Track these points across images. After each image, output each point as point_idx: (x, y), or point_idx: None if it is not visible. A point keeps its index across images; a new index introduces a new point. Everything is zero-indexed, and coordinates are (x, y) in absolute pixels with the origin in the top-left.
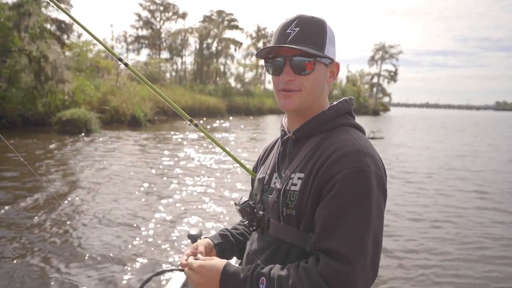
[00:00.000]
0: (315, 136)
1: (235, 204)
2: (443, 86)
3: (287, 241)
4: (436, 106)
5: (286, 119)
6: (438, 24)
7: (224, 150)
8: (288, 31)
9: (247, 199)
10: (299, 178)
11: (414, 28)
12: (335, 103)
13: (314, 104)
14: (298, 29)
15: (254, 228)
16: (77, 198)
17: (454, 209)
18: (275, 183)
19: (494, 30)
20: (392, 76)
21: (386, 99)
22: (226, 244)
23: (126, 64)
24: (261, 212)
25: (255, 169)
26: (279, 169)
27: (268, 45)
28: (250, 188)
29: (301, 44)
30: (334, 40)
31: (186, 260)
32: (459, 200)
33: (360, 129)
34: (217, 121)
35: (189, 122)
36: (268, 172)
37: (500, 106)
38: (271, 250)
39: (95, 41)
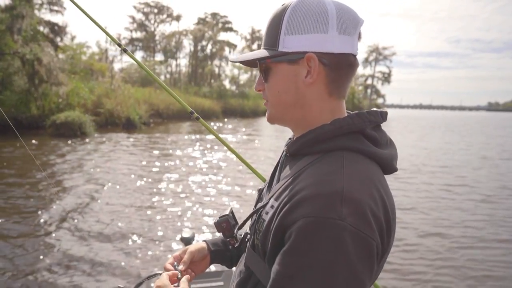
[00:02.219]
0: (308, 157)
1: (219, 217)
2: (436, 87)
3: (255, 274)
4: (430, 107)
5: None
6: (431, 25)
7: (229, 147)
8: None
9: (228, 214)
10: (271, 207)
11: (408, 29)
12: (345, 116)
13: (294, 114)
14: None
15: (232, 246)
16: (71, 201)
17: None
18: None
19: (486, 31)
20: (386, 78)
21: (380, 101)
22: (225, 254)
23: (125, 50)
24: (247, 231)
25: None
26: (270, 187)
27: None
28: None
29: (263, 47)
30: (315, 20)
31: (171, 263)
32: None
33: (373, 157)
34: (212, 123)
35: (191, 115)
36: (267, 185)
37: (492, 107)
38: (241, 279)
39: (88, 44)
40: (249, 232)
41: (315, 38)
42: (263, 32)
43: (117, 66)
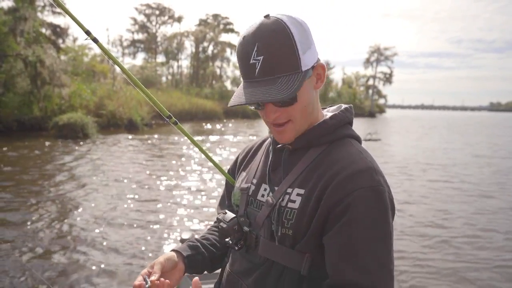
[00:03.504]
0: (315, 148)
1: (218, 220)
2: (438, 88)
3: (279, 263)
4: (431, 107)
5: None
6: (433, 26)
7: (203, 151)
8: (251, 61)
9: (233, 215)
10: (298, 195)
11: (409, 30)
12: (334, 112)
13: (311, 118)
14: (261, 58)
15: (239, 247)
16: (73, 202)
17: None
18: (263, 195)
19: (488, 31)
20: (388, 78)
21: (381, 101)
22: (196, 257)
23: (95, 40)
24: (246, 228)
25: (232, 172)
26: (271, 181)
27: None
28: (223, 192)
29: (272, 75)
30: (307, 36)
31: (139, 281)
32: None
33: (360, 141)
34: (210, 124)
35: (167, 119)
36: (255, 182)
37: (494, 107)
38: (260, 273)
39: (90, 45)
40: (253, 229)
41: (313, 50)
42: (264, 58)
43: (118, 67)
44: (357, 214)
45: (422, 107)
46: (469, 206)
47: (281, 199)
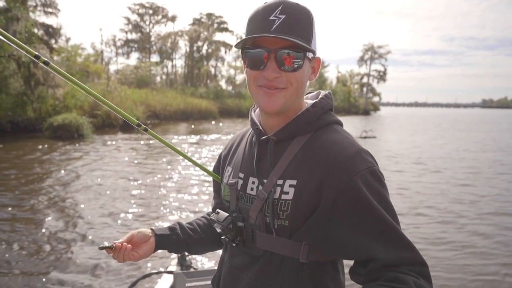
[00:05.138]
0: (299, 137)
1: (212, 220)
2: (431, 85)
3: (277, 254)
4: (425, 105)
5: (260, 114)
6: (426, 23)
7: (182, 154)
8: (271, 17)
9: (226, 214)
10: (291, 186)
11: (402, 28)
12: (315, 99)
13: (296, 103)
14: (284, 16)
15: (237, 243)
16: (68, 202)
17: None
18: (252, 188)
19: (479, 29)
20: (382, 76)
21: (376, 99)
22: (170, 238)
23: (46, 63)
24: (240, 223)
25: (217, 170)
26: (258, 174)
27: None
28: (214, 192)
29: (289, 35)
30: (314, 29)
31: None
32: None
33: (342, 125)
34: (205, 124)
35: (137, 127)
36: (242, 176)
37: (487, 104)
38: (261, 265)
39: (83, 46)
40: (247, 223)
41: (315, 42)
42: (286, 17)
43: (112, 67)
44: (364, 196)
45: (416, 104)
46: (446, 196)
47: (272, 191)
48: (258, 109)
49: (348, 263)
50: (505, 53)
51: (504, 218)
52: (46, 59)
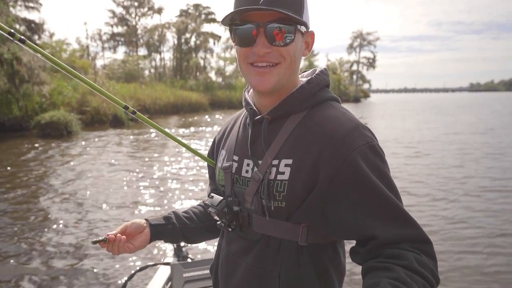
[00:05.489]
0: (294, 115)
1: (206, 205)
2: (420, 71)
3: (275, 237)
4: (414, 90)
5: (253, 95)
6: (414, 9)
7: (174, 139)
8: None
9: (220, 197)
10: (286, 166)
11: (391, 14)
12: (310, 76)
13: (290, 81)
14: None
15: (233, 228)
16: (60, 200)
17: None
18: (247, 171)
19: (466, 13)
20: (371, 63)
21: (366, 86)
22: (165, 227)
23: (22, 40)
24: (236, 208)
25: (212, 155)
26: (253, 155)
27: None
28: (210, 178)
29: (279, 7)
30: (306, 2)
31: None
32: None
33: (340, 102)
34: (196, 116)
35: (124, 110)
36: (236, 159)
37: (474, 88)
38: (258, 249)
39: (68, 41)
40: (243, 207)
41: (308, 16)
42: None
43: (99, 62)
44: (363, 172)
45: (405, 90)
46: (436, 176)
47: (268, 172)
48: (252, 89)
49: (348, 245)
50: (491, 37)
51: (492, 194)
52: (21, 37)
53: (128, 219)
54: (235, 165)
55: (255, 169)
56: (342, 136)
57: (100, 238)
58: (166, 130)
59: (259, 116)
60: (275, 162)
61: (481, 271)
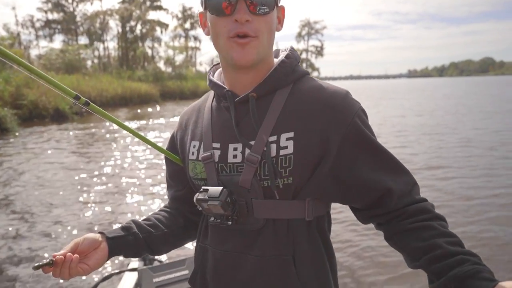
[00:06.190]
0: (280, 90)
1: (200, 200)
2: (364, 58)
3: (281, 219)
4: (359, 77)
5: (223, 77)
6: None
7: (131, 131)
8: None
9: (219, 188)
10: (288, 139)
11: (334, 2)
12: (283, 52)
13: (268, 55)
14: None
15: (235, 220)
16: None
17: None
18: (235, 156)
19: (403, 4)
20: (319, 51)
21: (315, 74)
22: (125, 239)
23: None
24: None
25: (173, 152)
26: (242, 137)
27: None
28: (167, 174)
29: None
30: None
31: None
32: None
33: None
34: (147, 108)
35: (75, 102)
36: (218, 146)
37: (412, 74)
38: (265, 236)
39: None
40: (237, 195)
41: None
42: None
43: (34, 52)
44: (365, 134)
45: (351, 77)
46: None
47: (267, 150)
48: (217, 71)
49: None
50: (424, 26)
51: (435, 171)
52: None
53: (77, 226)
54: (217, 153)
55: (247, 151)
56: (341, 103)
57: (44, 261)
58: (126, 124)
59: (242, 96)
60: (273, 138)
61: None
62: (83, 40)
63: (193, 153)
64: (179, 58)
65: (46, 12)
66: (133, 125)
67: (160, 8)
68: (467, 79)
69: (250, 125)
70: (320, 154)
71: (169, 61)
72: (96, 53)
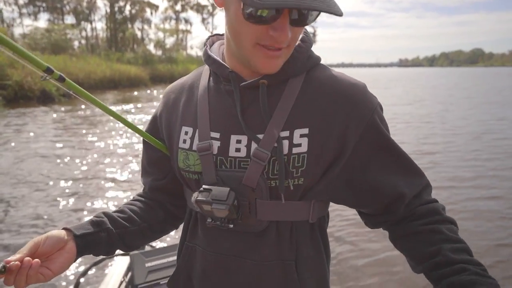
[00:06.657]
0: (293, 79)
1: (201, 201)
2: (356, 46)
3: (285, 221)
4: (350, 65)
5: (226, 54)
6: None
7: (110, 112)
8: None
9: (226, 188)
10: (302, 136)
11: None
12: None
13: None
14: None
15: (239, 221)
16: None
17: None
18: (239, 149)
19: None
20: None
21: None
22: (97, 236)
23: None
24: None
25: (154, 135)
26: (248, 129)
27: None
28: (143, 160)
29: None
30: None
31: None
32: None
33: None
34: (136, 92)
35: (45, 76)
36: (217, 136)
37: (403, 63)
38: (268, 240)
39: None
40: (239, 194)
41: None
42: None
43: (17, 31)
44: (383, 132)
45: (343, 65)
46: None
47: (278, 147)
48: (216, 44)
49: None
50: (417, 15)
51: (423, 156)
52: None
53: (56, 218)
54: (216, 144)
55: (254, 145)
56: (362, 98)
57: None
58: (113, 108)
59: (250, 81)
60: (285, 134)
61: None
62: (69, 19)
63: (184, 141)
64: (170, 41)
65: None
66: (122, 107)
67: None
68: (457, 70)
69: (258, 116)
70: (335, 154)
71: (159, 44)
72: (84, 33)
